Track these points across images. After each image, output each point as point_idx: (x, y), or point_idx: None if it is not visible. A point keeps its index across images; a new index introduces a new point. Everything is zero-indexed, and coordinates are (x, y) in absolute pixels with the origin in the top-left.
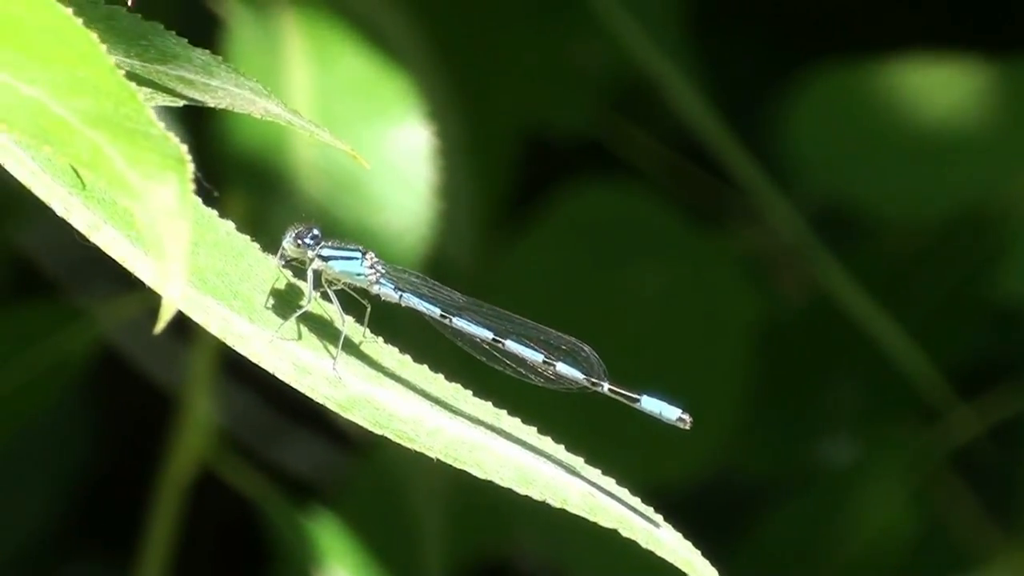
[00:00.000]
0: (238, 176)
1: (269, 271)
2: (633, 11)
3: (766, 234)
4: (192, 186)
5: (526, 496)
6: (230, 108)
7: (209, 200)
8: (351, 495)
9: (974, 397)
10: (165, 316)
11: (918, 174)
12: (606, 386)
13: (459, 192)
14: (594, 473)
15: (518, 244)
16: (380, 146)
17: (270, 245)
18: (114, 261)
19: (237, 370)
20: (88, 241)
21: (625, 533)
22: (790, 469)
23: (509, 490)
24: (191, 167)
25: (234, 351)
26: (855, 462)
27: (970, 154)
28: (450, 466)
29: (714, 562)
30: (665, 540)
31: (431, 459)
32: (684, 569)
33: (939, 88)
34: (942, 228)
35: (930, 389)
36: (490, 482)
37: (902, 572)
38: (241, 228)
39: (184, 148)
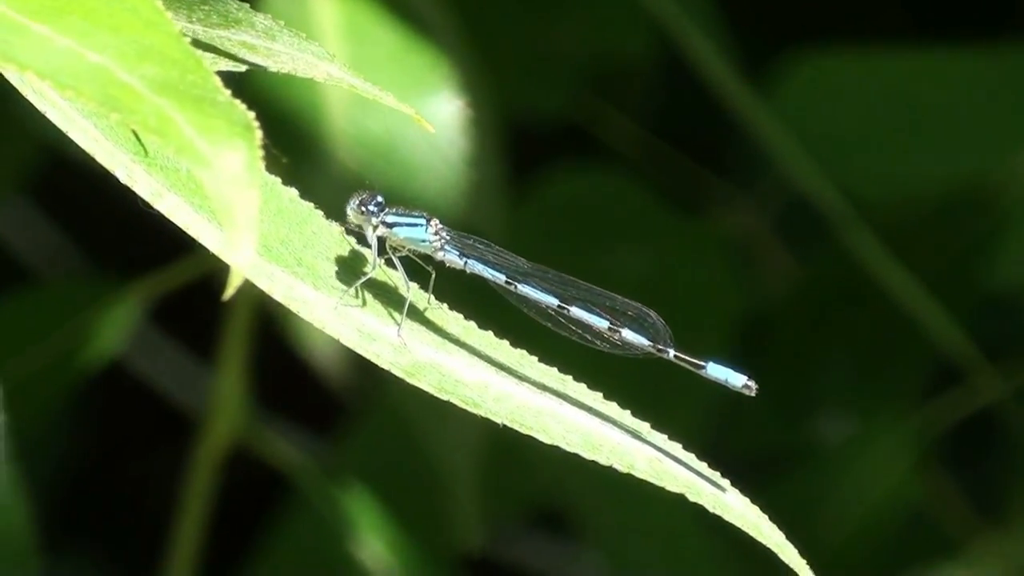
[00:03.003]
0: (272, 144)
1: (333, 238)
2: None
3: (747, 218)
4: (261, 153)
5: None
6: (292, 72)
7: (277, 165)
8: (373, 461)
9: (963, 382)
10: (234, 284)
11: (904, 158)
12: (672, 352)
13: (488, 160)
14: (660, 438)
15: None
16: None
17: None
18: (88, 247)
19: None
20: (151, 208)
21: (692, 498)
22: (785, 446)
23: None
24: (259, 134)
25: None
26: (852, 438)
27: (958, 139)
28: (482, 431)
29: None
30: (732, 504)
31: (462, 424)
32: (752, 533)
33: (926, 73)
34: (933, 212)
35: (951, 350)
36: (522, 446)
37: (895, 550)
38: None
39: (252, 115)
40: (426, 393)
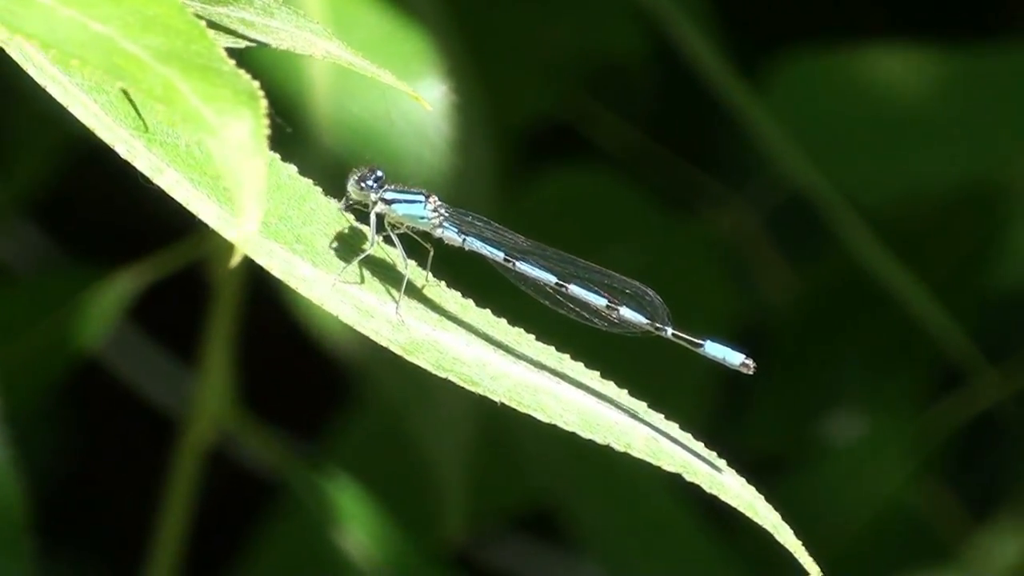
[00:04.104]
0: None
1: (331, 215)
2: None
3: (736, 217)
4: (266, 122)
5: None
6: (291, 49)
7: (282, 136)
8: (362, 453)
9: (960, 385)
10: (240, 253)
11: (900, 158)
12: (670, 330)
13: (474, 147)
14: (657, 418)
15: None
16: (399, 101)
17: None
18: (68, 242)
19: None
20: (151, 183)
21: (688, 477)
22: (793, 446)
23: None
24: (264, 103)
25: None
26: (858, 439)
27: (956, 139)
28: (473, 423)
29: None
30: (728, 484)
31: (452, 415)
32: (747, 513)
33: (922, 72)
34: (937, 212)
35: (956, 352)
36: (513, 442)
37: (897, 551)
38: None
39: (256, 84)
40: (416, 383)
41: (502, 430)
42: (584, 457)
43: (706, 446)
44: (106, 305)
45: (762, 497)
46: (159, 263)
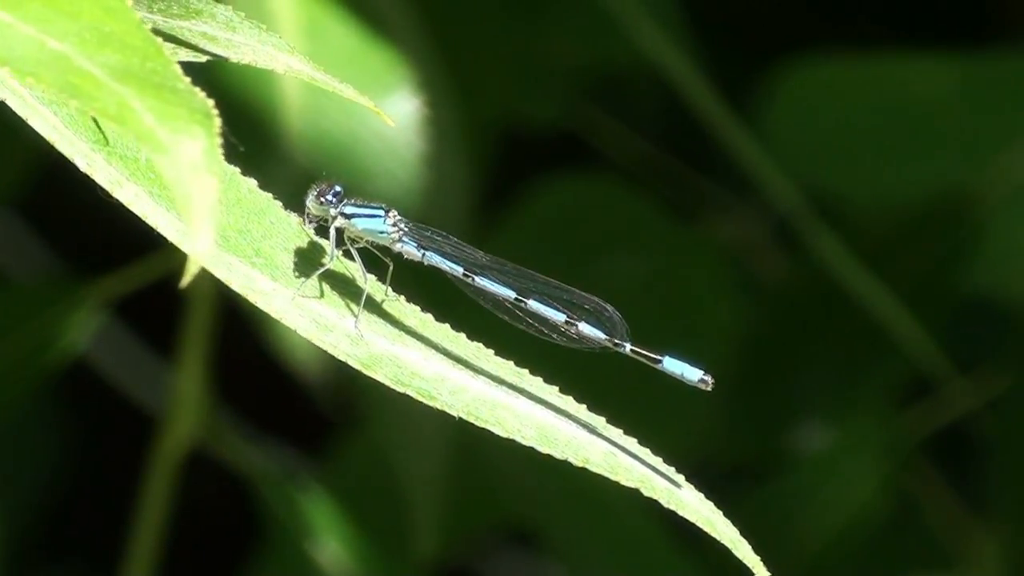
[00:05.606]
0: (231, 132)
1: (291, 229)
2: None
3: (741, 225)
4: (220, 140)
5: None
6: (253, 64)
7: (235, 154)
8: (343, 469)
9: (932, 393)
10: (191, 272)
11: (884, 167)
12: (628, 346)
13: (448, 162)
14: (616, 433)
15: (493, 238)
16: (370, 115)
17: None
18: (53, 247)
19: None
20: (111, 197)
21: (647, 493)
22: (764, 455)
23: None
24: (218, 122)
25: None
26: (828, 448)
27: (936, 147)
28: (446, 441)
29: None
30: (687, 500)
31: (426, 433)
32: (706, 528)
33: (904, 82)
34: (912, 220)
35: (925, 361)
36: (488, 461)
37: (875, 557)
38: None
39: (211, 103)
40: (393, 401)
41: (480, 448)
42: (560, 475)
43: (682, 458)
44: (85, 315)
45: (720, 512)
46: (145, 268)
